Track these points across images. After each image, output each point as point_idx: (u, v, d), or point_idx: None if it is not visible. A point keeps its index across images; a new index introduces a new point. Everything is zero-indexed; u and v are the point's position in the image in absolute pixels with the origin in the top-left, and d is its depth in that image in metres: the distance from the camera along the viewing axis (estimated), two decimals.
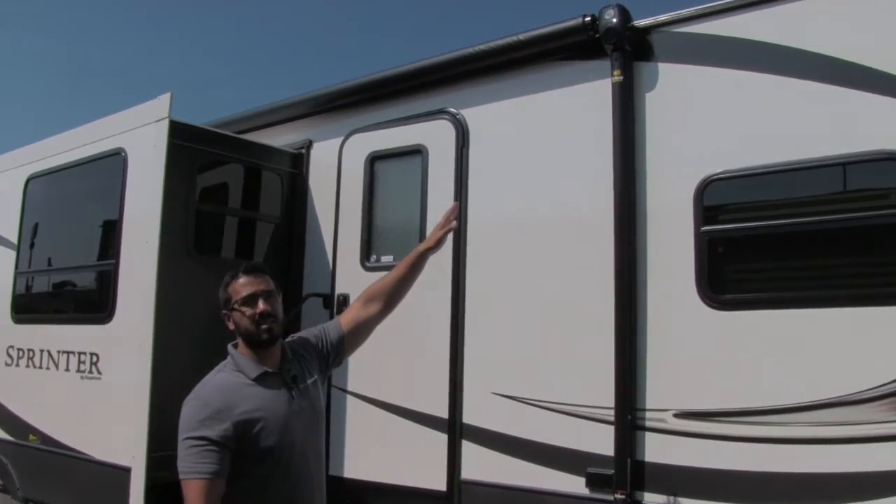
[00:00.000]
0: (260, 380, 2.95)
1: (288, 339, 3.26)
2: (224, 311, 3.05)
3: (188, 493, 2.72)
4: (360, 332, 3.37)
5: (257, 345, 2.98)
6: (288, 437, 2.91)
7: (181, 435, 2.81)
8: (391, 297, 3.38)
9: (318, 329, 3.33)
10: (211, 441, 2.75)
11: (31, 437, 5.94)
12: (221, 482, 2.74)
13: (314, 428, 3.08)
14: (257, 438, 2.84)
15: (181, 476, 2.75)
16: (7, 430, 6.22)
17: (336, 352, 3.31)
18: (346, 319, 3.35)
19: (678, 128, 4.25)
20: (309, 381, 3.11)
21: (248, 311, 2.95)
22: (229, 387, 2.92)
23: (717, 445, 3.87)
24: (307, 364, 3.17)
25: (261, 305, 2.96)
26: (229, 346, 3.08)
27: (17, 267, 6.50)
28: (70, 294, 6.02)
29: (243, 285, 3.01)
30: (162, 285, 4.88)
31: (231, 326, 3.03)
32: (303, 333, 3.33)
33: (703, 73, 4.21)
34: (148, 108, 5.33)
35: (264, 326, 2.95)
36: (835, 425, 3.59)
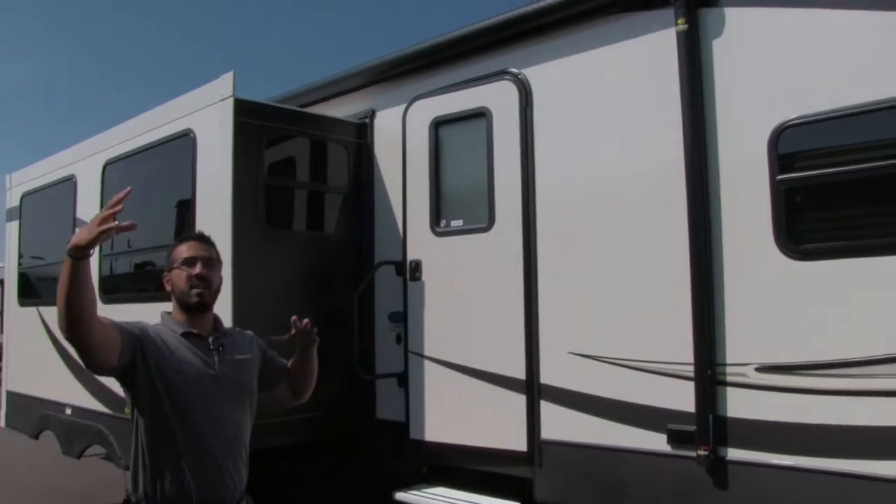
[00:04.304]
0: (186, 336, 3.01)
1: (236, 328, 3.32)
2: (165, 273, 3.11)
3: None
4: (287, 391, 3.35)
5: (187, 308, 3.04)
6: (199, 393, 2.93)
7: None
8: (295, 391, 3.37)
9: (272, 351, 3.34)
10: (130, 325, 2.91)
11: (126, 409, 6.17)
12: (110, 329, 2.79)
13: (233, 402, 3.04)
14: (168, 380, 2.88)
15: None
16: (105, 404, 6.47)
17: (270, 379, 3.28)
18: (290, 365, 3.35)
19: (748, 74, 4.11)
20: (238, 356, 3.11)
21: (185, 271, 3.02)
22: (158, 326, 3.03)
23: (801, 399, 3.79)
24: (242, 348, 3.17)
25: (198, 268, 3.02)
26: (161, 312, 3.14)
27: (101, 250, 6.71)
28: (151, 274, 6.19)
29: (187, 248, 3.08)
30: (237, 261, 4.99)
31: (168, 288, 3.10)
32: (258, 337, 3.33)
33: (771, 16, 4.05)
34: (212, 88, 5.41)
35: (196, 290, 3.01)
36: None
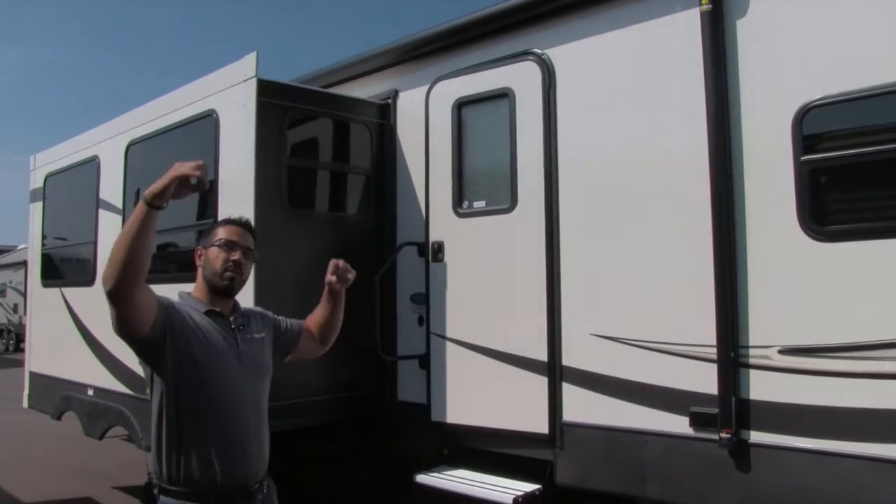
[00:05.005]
0: (209, 315, 3.01)
1: (248, 307, 3.32)
2: (200, 248, 3.10)
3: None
4: (312, 343, 3.42)
5: (215, 289, 3.04)
6: (224, 371, 2.94)
7: None
8: (324, 338, 3.44)
9: (280, 317, 3.38)
10: (162, 298, 2.87)
11: (147, 390, 6.22)
12: (150, 294, 2.77)
13: (255, 380, 3.08)
14: (195, 357, 2.88)
15: None
16: (127, 385, 6.53)
17: (288, 343, 3.34)
18: (308, 322, 3.40)
19: (772, 55, 4.06)
20: (256, 335, 3.14)
21: (223, 252, 3.01)
22: (182, 303, 3.02)
23: (825, 382, 3.75)
24: (258, 327, 3.19)
25: (237, 254, 3.03)
26: (179, 292, 3.13)
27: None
28: (174, 255, 6.22)
29: (232, 232, 3.08)
30: (260, 241, 4.96)
31: (199, 263, 3.09)
32: (266, 311, 3.36)
33: None
34: (235, 69, 5.41)
35: (229, 273, 3.01)
36: None
